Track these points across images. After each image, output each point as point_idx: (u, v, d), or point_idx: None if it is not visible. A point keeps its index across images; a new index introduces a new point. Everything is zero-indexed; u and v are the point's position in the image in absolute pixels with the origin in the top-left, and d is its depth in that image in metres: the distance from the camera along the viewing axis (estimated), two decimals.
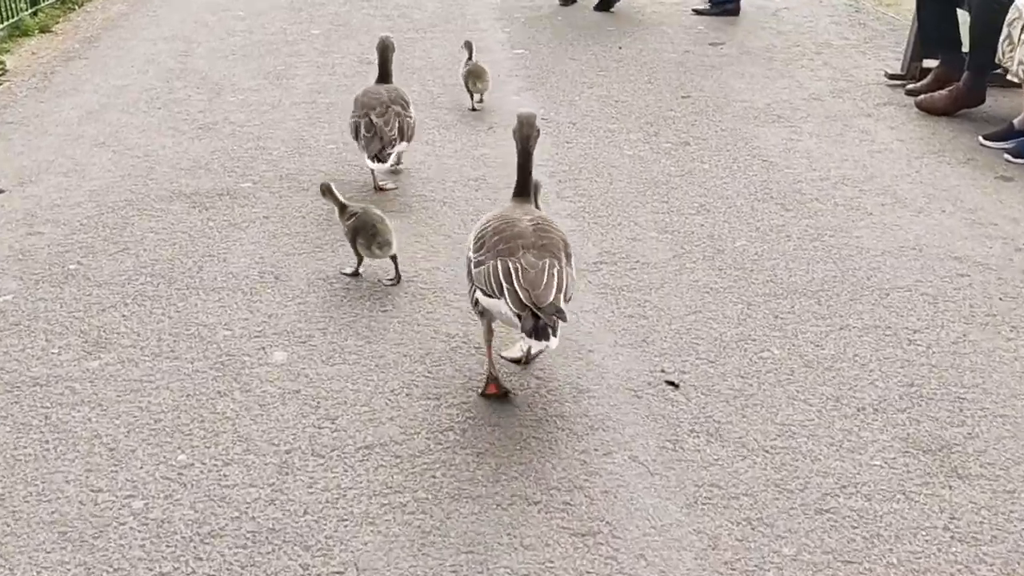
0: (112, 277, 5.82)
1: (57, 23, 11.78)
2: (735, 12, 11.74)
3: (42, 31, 11.41)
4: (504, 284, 4.00)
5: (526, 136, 4.48)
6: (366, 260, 5.56)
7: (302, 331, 5.14)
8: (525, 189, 4.52)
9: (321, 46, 10.75)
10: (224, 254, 6.09)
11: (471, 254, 4.30)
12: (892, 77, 9.28)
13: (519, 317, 3.93)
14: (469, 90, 8.42)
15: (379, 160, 6.37)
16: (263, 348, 5.01)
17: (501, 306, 4.04)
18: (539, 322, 3.87)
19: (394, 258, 5.47)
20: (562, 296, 4.00)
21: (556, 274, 4.03)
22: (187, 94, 9.23)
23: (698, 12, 11.83)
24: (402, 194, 6.82)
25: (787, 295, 5.56)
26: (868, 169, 7.41)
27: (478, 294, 4.22)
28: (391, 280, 5.53)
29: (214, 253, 6.10)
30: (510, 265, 4.04)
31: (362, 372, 4.77)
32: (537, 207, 4.64)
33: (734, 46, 10.63)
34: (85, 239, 6.32)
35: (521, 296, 3.93)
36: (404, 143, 6.55)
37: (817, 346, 5.05)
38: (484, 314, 4.31)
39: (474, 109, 8.48)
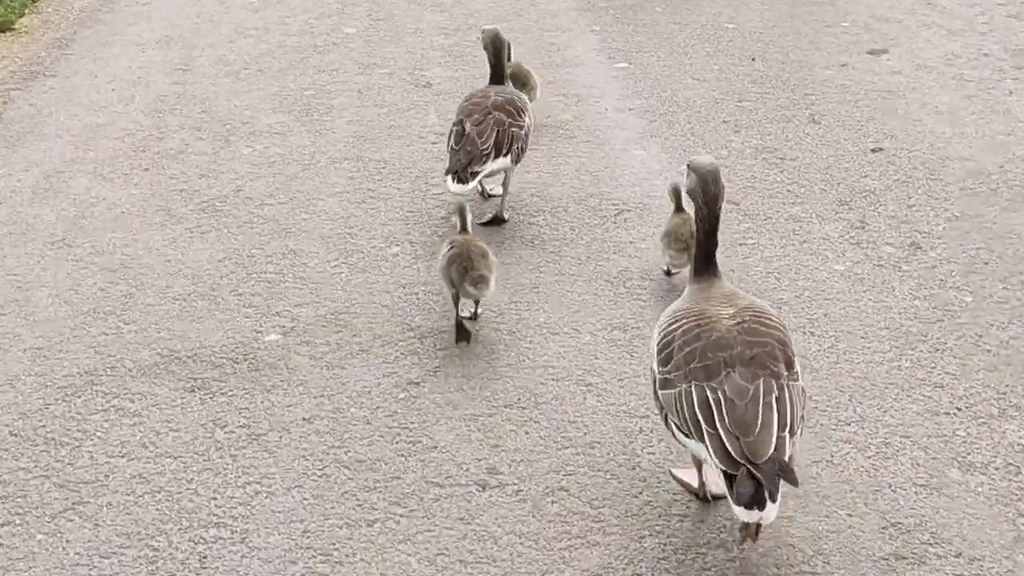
0: None
1: (21, 17, 9.20)
2: None
3: (1, 29, 8.84)
4: (704, 426, 3.23)
5: (713, 197, 3.63)
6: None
7: None
8: (712, 265, 3.66)
9: (360, 55, 8.19)
10: (240, 522, 3.69)
11: (655, 366, 3.50)
12: None
13: (727, 476, 3.13)
14: None
15: (459, 180, 5.02)
16: None
17: (702, 452, 3.29)
18: (755, 489, 3.05)
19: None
20: (787, 440, 3.16)
21: (776, 405, 3.21)
22: (184, 142, 6.74)
23: None
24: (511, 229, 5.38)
25: None
26: None
27: (672, 424, 3.44)
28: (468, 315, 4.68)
29: (223, 520, 3.70)
30: (709, 396, 3.26)
31: None
32: None
33: (902, 55, 8.04)
34: None
35: (729, 446, 3.14)
36: (503, 159, 5.24)
37: None
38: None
39: None
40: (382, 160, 6.46)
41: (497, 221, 5.54)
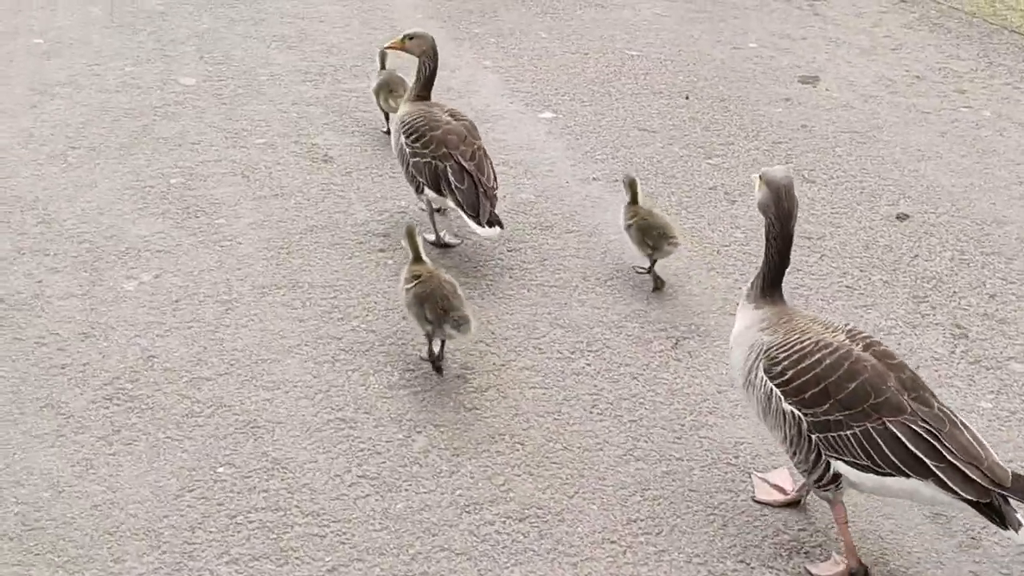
0: None
1: None
2: None
3: None
4: (930, 461, 3.09)
5: (787, 213, 3.39)
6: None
7: None
8: (779, 288, 3.49)
9: (219, 117, 6.48)
10: None
11: (791, 407, 3.26)
12: None
13: (978, 505, 3.06)
14: (382, 108, 6.19)
15: (494, 224, 4.82)
16: None
17: (923, 489, 3.14)
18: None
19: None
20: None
21: (968, 423, 3.20)
22: (31, 282, 4.90)
23: None
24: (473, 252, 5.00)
25: None
26: None
27: (845, 469, 3.23)
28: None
29: None
30: (918, 430, 3.13)
31: None
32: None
33: (836, 83, 7.24)
34: None
35: (972, 475, 3.05)
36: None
37: None
38: (836, 490, 3.32)
39: (388, 132, 6.17)
40: (326, 285, 4.93)
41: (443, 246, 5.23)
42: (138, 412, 4.10)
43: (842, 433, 3.19)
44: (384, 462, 3.91)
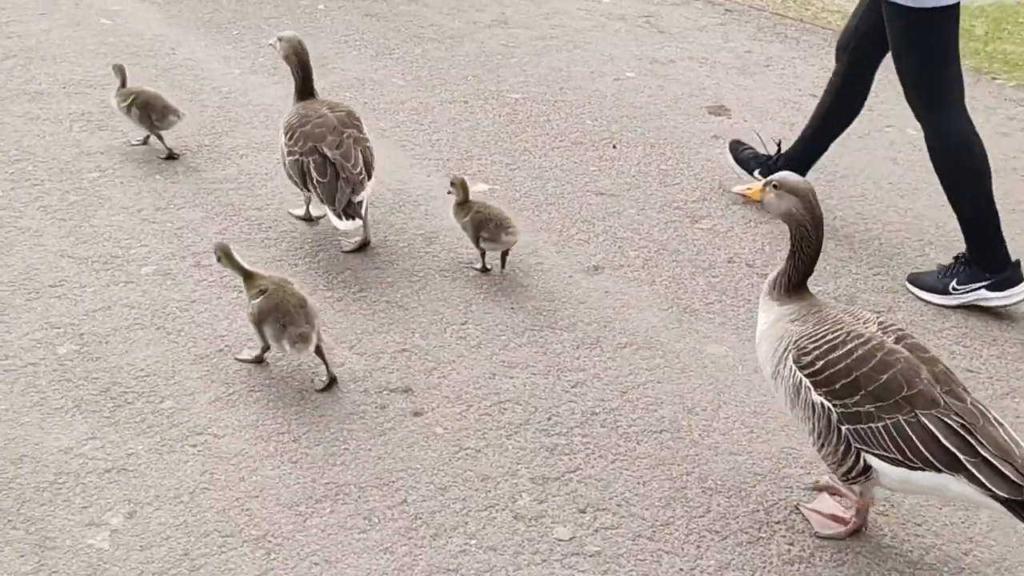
0: None
1: None
2: None
3: None
4: (962, 456, 3.06)
5: (820, 217, 3.38)
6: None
7: None
8: (805, 284, 3.45)
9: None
10: None
11: (820, 398, 3.23)
12: None
13: (1008, 502, 3.03)
14: (149, 129, 5.58)
15: (350, 216, 4.53)
16: None
17: (951, 485, 3.11)
18: None
19: (319, 351, 3.99)
20: None
21: (1000, 420, 3.15)
22: None
23: None
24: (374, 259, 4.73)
25: None
26: None
27: (873, 462, 3.20)
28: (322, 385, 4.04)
29: None
30: (952, 423, 3.09)
31: None
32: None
33: (743, 113, 6.58)
34: None
35: (1006, 471, 3.02)
36: (371, 181, 4.76)
37: None
38: (866, 481, 3.30)
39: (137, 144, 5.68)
40: None
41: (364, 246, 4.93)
42: None
43: (873, 425, 3.15)
44: None
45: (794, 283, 3.42)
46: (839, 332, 3.25)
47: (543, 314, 4.53)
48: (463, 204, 4.75)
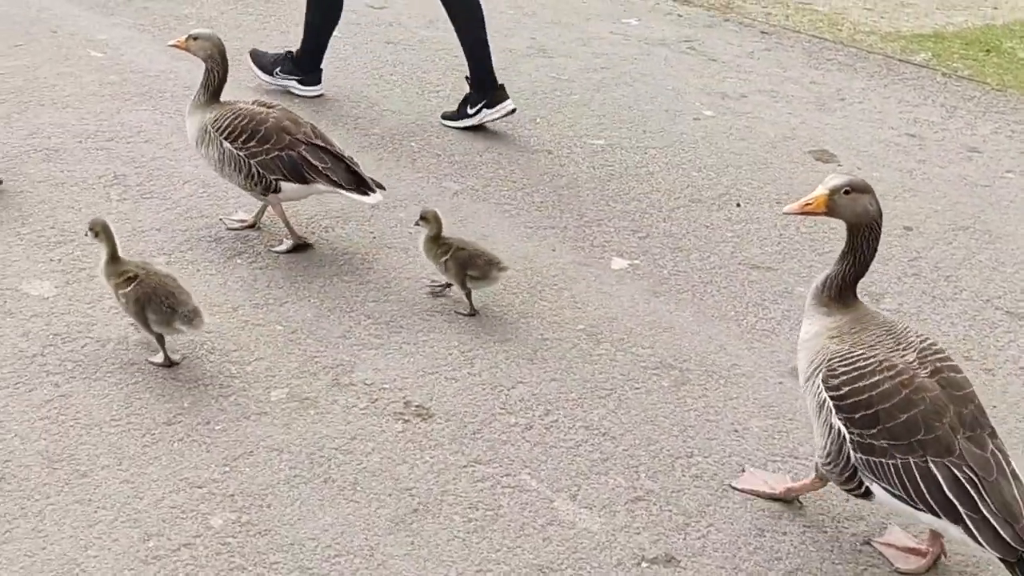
0: None
1: None
2: None
3: None
4: (962, 509, 3.02)
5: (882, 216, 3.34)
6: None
7: None
8: (854, 288, 3.37)
9: None
10: None
11: (840, 424, 3.20)
12: None
13: (1005, 561, 2.98)
14: None
15: (377, 188, 4.47)
16: None
17: (951, 530, 3.07)
18: None
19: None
20: None
21: (1018, 474, 3.07)
22: None
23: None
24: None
25: None
26: None
27: (879, 491, 3.19)
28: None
29: None
30: (959, 475, 3.04)
31: None
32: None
33: (847, 152, 5.94)
34: None
35: (1003, 533, 2.96)
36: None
37: None
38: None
39: None
40: None
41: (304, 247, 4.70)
42: None
43: (884, 460, 3.14)
44: None
45: (847, 284, 3.36)
46: (871, 361, 3.20)
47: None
48: (436, 239, 4.26)
